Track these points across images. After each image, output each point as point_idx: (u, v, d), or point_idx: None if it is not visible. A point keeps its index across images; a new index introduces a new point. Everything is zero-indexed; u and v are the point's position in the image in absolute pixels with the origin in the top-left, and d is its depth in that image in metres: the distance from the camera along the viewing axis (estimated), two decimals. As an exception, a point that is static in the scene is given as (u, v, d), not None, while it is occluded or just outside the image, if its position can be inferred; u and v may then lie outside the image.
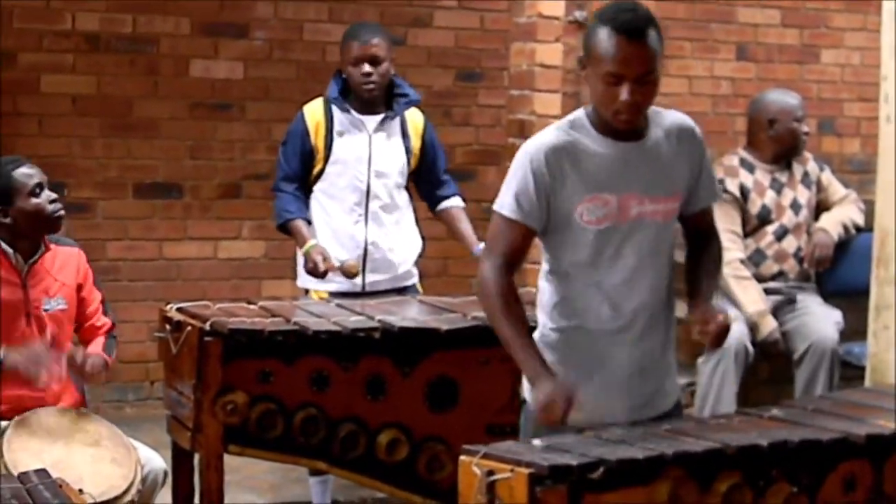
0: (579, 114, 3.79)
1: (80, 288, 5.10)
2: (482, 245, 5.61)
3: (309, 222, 5.64)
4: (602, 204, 3.67)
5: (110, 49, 7.52)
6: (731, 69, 8.59)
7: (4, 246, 4.92)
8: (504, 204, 3.72)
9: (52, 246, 5.04)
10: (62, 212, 4.98)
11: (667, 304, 3.84)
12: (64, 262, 5.07)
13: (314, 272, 5.54)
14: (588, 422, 3.65)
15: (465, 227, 5.88)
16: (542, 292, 3.85)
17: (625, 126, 3.67)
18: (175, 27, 7.64)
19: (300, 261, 5.80)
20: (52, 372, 4.79)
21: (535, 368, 3.63)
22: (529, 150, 3.71)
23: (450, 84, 8.14)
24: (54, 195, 4.95)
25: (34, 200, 4.91)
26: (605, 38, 3.58)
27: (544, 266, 3.84)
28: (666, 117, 3.82)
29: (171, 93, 7.66)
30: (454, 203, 5.93)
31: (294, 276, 7.33)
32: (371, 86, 5.61)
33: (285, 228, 5.70)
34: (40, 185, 4.92)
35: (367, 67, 5.58)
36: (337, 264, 5.56)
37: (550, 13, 6.75)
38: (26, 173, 4.93)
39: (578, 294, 3.74)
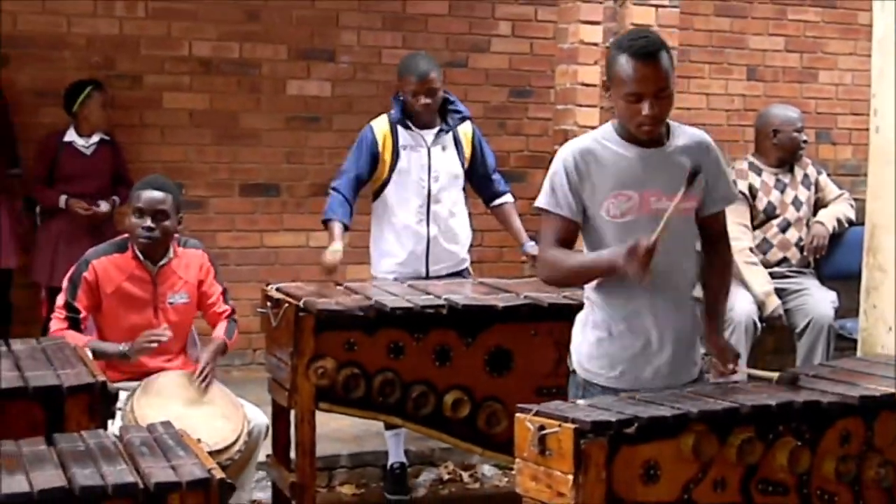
0: (608, 125, 3.77)
1: (200, 283, 5.12)
2: (532, 243, 5.62)
3: (346, 227, 5.58)
4: (625, 199, 3.64)
5: (220, 71, 7.54)
6: (742, 87, 8.57)
7: (138, 252, 4.95)
8: (545, 201, 3.71)
9: (180, 250, 5.05)
10: (147, 241, 4.92)
11: (692, 287, 3.80)
12: (188, 262, 5.09)
13: (326, 267, 5.47)
14: (638, 385, 3.65)
15: (516, 223, 5.84)
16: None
17: (647, 136, 3.63)
18: (274, 53, 7.65)
19: (373, 248, 5.79)
20: (160, 337, 4.81)
21: (609, 254, 3.57)
22: (563, 154, 3.70)
23: (504, 100, 8.12)
24: (151, 225, 4.89)
25: (133, 219, 4.92)
26: (623, 63, 3.55)
27: None
28: (686, 131, 3.78)
29: (271, 108, 7.67)
30: (505, 200, 5.87)
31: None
32: (430, 113, 5.58)
33: (326, 224, 5.62)
34: (142, 211, 4.90)
35: (424, 99, 5.52)
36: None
37: (590, 40, 6.70)
38: (140, 195, 4.93)
39: (618, 283, 3.68)
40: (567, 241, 3.71)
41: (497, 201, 5.87)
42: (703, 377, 3.87)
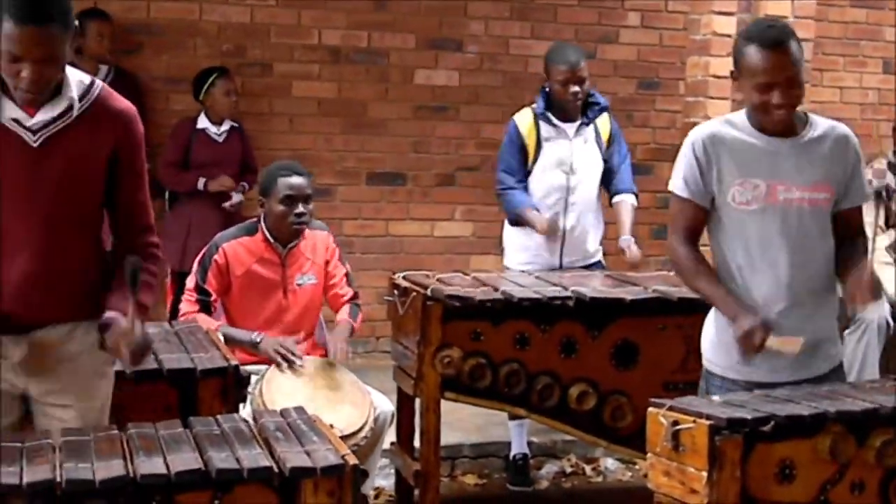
0: (742, 112, 3.74)
1: (326, 264, 5.17)
2: (627, 237, 5.59)
3: (537, 210, 5.59)
4: (752, 187, 3.61)
5: (349, 60, 7.59)
6: (877, 81, 8.42)
7: (268, 234, 5.01)
8: (675, 185, 3.70)
9: (307, 231, 5.10)
10: (302, 226, 5.00)
11: (827, 281, 3.72)
12: (315, 243, 5.14)
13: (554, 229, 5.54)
14: (756, 379, 3.59)
15: (625, 219, 5.73)
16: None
17: (778, 125, 3.60)
18: (403, 42, 7.68)
19: (507, 241, 5.78)
20: (293, 357, 4.85)
21: (734, 308, 3.57)
22: (692, 138, 3.69)
23: (632, 92, 8.06)
24: (303, 210, 4.97)
25: (281, 207, 4.96)
26: (753, 53, 3.53)
27: (713, 247, 3.76)
28: (826, 123, 3.74)
29: (399, 97, 7.70)
30: (624, 199, 5.79)
31: (498, 253, 7.35)
32: (578, 102, 5.57)
33: (518, 219, 5.64)
34: (291, 198, 4.95)
35: (574, 88, 5.51)
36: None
37: (723, 31, 6.61)
38: (287, 182, 4.97)
39: (738, 270, 3.65)
40: (695, 228, 3.71)
41: (617, 198, 5.81)
42: (841, 372, 3.79)
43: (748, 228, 3.60)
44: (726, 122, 3.71)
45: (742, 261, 3.64)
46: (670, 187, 3.72)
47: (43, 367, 3.25)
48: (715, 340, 3.73)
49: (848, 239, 3.76)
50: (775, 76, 3.50)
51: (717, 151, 3.62)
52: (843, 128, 3.76)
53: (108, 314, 3.19)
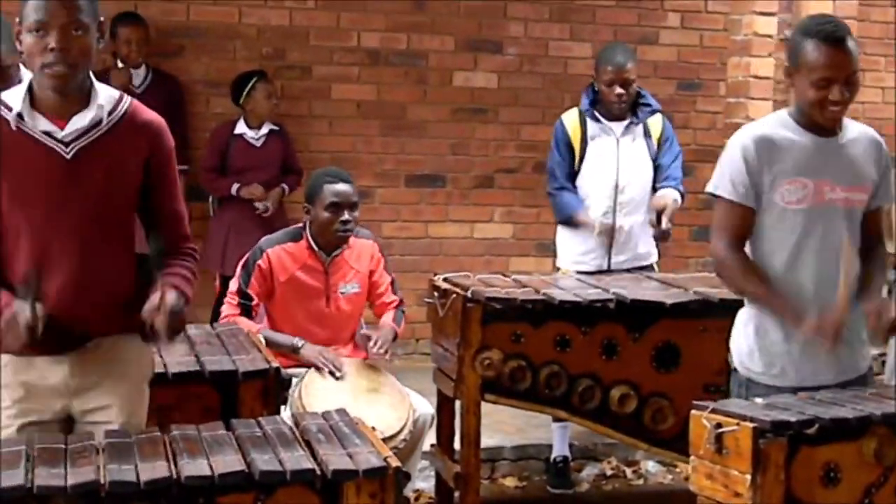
0: (782, 112, 3.73)
1: (371, 273, 5.17)
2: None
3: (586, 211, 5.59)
4: (801, 187, 3.59)
5: (388, 63, 7.60)
6: (919, 82, 8.32)
7: (312, 241, 5.02)
8: (721, 188, 3.65)
9: (352, 240, 5.10)
10: (347, 234, 5.00)
11: (859, 281, 3.70)
12: (360, 252, 5.14)
13: (608, 232, 5.52)
14: (801, 381, 3.57)
15: (653, 203, 5.61)
16: None
17: (833, 122, 3.60)
18: (441, 44, 7.68)
19: (560, 242, 5.77)
20: (334, 368, 4.87)
21: (794, 311, 3.53)
22: (740, 139, 3.66)
23: (672, 93, 8.01)
24: (349, 217, 4.97)
25: (326, 214, 4.97)
26: (812, 49, 3.51)
27: (749, 246, 3.73)
28: (855, 125, 3.75)
29: (438, 99, 7.70)
30: (666, 192, 5.66)
31: (537, 255, 7.36)
32: (622, 104, 5.55)
33: (570, 221, 5.62)
34: (337, 205, 4.95)
35: (618, 90, 5.50)
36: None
37: (764, 31, 6.59)
38: (333, 189, 4.97)
39: (779, 268, 3.62)
40: (743, 232, 3.66)
41: (659, 192, 5.75)
42: (871, 373, 3.77)
43: (793, 227, 3.58)
44: (772, 122, 3.69)
45: (784, 259, 3.62)
46: (713, 190, 3.67)
47: (87, 383, 3.23)
48: (754, 347, 3.68)
49: (870, 246, 3.74)
50: (835, 72, 3.50)
51: (766, 152, 3.59)
52: (871, 131, 3.78)
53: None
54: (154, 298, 3.09)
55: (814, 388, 3.53)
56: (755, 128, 3.70)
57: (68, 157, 3.13)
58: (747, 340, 3.71)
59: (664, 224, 5.45)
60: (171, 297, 3.09)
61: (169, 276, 3.18)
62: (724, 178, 3.64)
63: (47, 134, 3.13)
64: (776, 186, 3.59)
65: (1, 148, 3.10)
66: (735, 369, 3.77)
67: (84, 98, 3.16)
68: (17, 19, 3.11)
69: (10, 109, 3.13)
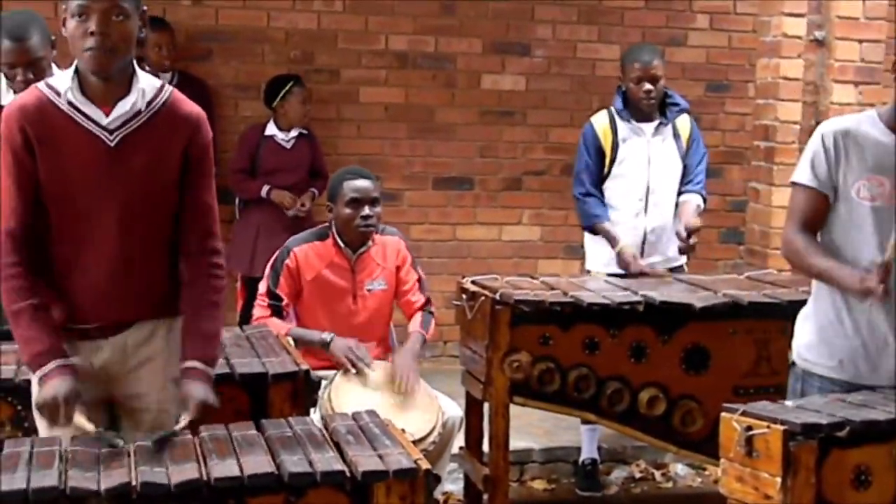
0: (871, 111, 3.76)
1: (398, 270, 5.18)
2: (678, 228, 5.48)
3: (610, 221, 5.59)
4: (878, 184, 3.60)
5: (416, 65, 7.61)
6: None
7: (338, 239, 5.03)
8: (801, 175, 3.69)
9: (378, 237, 5.11)
10: (369, 229, 5.02)
11: None
12: (386, 249, 5.15)
13: (627, 268, 5.48)
14: (857, 378, 3.59)
15: (685, 215, 5.58)
16: None
17: None
18: (469, 47, 7.68)
19: (588, 245, 5.76)
20: (362, 364, 4.87)
21: (850, 272, 3.53)
22: (824, 130, 3.70)
23: (700, 94, 7.98)
24: (369, 213, 4.98)
25: (347, 210, 4.98)
26: None
27: (820, 238, 3.74)
28: None
29: (466, 102, 7.71)
30: (686, 198, 5.68)
31: (566, 257, 7.33)
32: (651, 101, 5.55)
33: (593, 229, 5.64)
34: (357, 201, 4.97)
35: (647, 86, 5.51)
36: (644, 264, 5.52)
37: (793, 33, 6.55)
38: (353, 186, 5.00)
39: (851, 263, 3.61)
40: (815, 219, 3.68)
41: (681, 198, 5.71)
42: None
43: (866, 223, 3.59)
44: (858, 119, 3.73)
45: (856, 254, 3.61)
46: (796, 178, 3.72)
47: (126, 370, 3.30)
48: (815, 340, 3.71)
49: None
50: None
51: (847, 146, 3.62)
52: None
53: (186, 364, 3.24)
54: (195, 395, 3.17)
55: (868, 387, 3.54)
56: (839, 121, 3.74)
57: (112, 144, 3.18)
58: (809, 333, 3.73)
59: (692, 240, 5.45)
60: (198, 392, 3.17)
61: (194, 340, 3.27)
62: (805, 166, 3.68)
63: (92, 121, 3.17)
64: (854, 181, 3.61)
65: (49, 131, 3.15)
66: (793, 363, 3.78)
67: (126, 83, 3.21)
68: (63, 6, 3.15)
69: (58, 94, 3.18)
